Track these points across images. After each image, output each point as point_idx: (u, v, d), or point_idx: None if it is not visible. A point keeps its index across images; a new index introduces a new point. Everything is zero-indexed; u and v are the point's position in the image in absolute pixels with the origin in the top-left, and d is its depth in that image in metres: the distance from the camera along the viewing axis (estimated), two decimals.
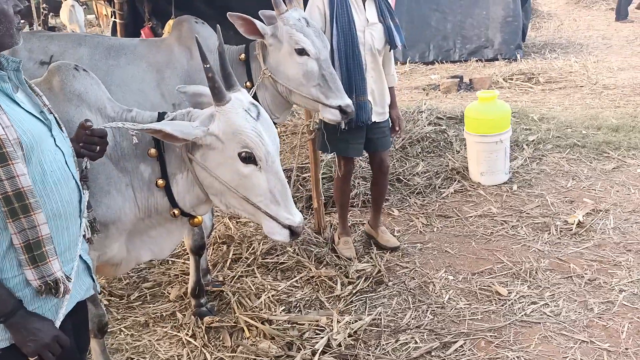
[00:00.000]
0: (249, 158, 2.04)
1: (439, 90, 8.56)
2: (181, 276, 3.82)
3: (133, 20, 6.23)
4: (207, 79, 1.98)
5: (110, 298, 3.65)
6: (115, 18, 6.19)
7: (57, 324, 1.69)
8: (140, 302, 3.61)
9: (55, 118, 1.82)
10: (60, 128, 1.83)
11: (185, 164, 2.14)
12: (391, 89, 3.75)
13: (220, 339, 3.18)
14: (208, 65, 1.97)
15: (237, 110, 2.03)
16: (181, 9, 5.79)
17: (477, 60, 10.32)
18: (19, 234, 1.56)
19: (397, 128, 3.80)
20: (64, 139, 1.82)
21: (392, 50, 3.62)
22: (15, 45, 1.70)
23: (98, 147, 1.95)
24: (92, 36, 3.43)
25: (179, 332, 3.26)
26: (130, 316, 3.46)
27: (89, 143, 1.91)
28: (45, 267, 1.61)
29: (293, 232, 2.12)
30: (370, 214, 4.15)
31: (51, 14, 15.07)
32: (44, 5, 14.76)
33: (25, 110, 1.67)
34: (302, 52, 2.92)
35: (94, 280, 1.93)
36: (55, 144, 1.74)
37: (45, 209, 1.62)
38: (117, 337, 3.28)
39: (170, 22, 5.70)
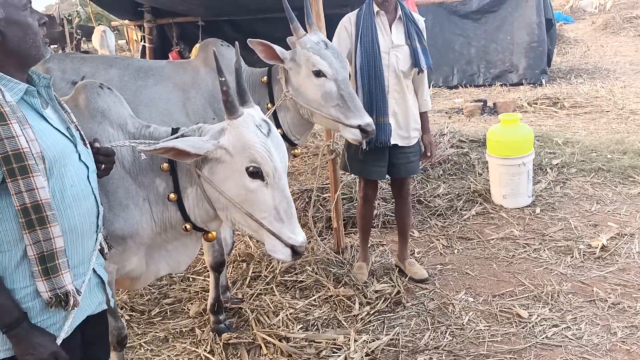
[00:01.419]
0: (256, 173, 2.06)
1: (462, 113, 8.56)
2: (201, 293, 3.86)
3: (161, 45, 6.41)
4: (221, 92, 2.03)
5: (131, 313, 3.69)
6: (144, 42, 6.37)
7: (62, 337, 1.70)
8: (161, 318, 3.64)
9: (81, 135, 1.89)
10: (85, 144, 1.89)
11: (194, 178, 2.18)
12: (424, 114, 3.70)
13: (238, 355, 3.19)
14: (223, 79, 2.02)
15: (248, 124, 2.07)
16: (208, 33, 5.94)
17: (501, 85, 10.32)
18: (33, 245, 1.59)
19: (428, 154, 3.76)
20: (89, 154, 1.89)
21: (420, 74, 3.57)
22: (43, 57, 1.76)
23: (103, 166, 2.00)
24: (122, 58, 3.55)
25: (197, 348, 3.28)
26: (151, 331, 3.49)
27: (95, 161, 1.95)
28: (57, 279, 1.63)
29: (295, 252, 2.11)
30: (398, 245, 4.07)
31: (84, 38, 15.55)
32: (77, 30, 15.26)
33: (52, 125, 1.73)
34: (319, 73, 2.97)
35: (108, 296, 1.95)
36: (80, 159, 1.79)
37: (62, 222, 1.66)
38: (137, 352, 3.31)
39: (197, 46, 5.86)
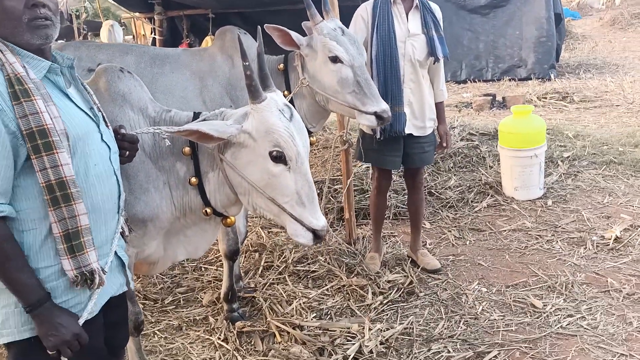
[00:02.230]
0: (279, 157, 2.05)
1: (472, 107, 8.54)
2: (214, 282, 3.86)
3: (171, 37, 6.42)
4: (245, 76, 2.02)
5: (144, 302, 3.70)
6: (155, 34, 6.38)
7: (85, 317, 1.70)
8: (174, 307, 3.65)
9: (103, 116, 1.89)
10: (107, 126, 1.89)
11: (216, 163, 2.18)
12: (440, 104, 3.68)
13: (252, 343, 3.19)
14: (247, 63, 2.01)
15: (271, 109, 2.06)
16: (218, 25, 5.94)
17: (510, 80, 10.28)
18: (58, 223, 1.59)
19: (444, 144, 3.75)
20: (111, 135, 1.89)
21: (436, 63, 3.55)
22: (44, 40, 1.66)
23: (127, 152, 2.00)
24: (138, 46, 3.54)
25: (211, 336, 3.28)
26: (164, 319, 3.50)
27: (119, 148, 1.95)
28: (82, 257, 1.63)
29: (317, 236, 2.10)
30: (410, 236, 4.07)
31: (90, 33, 15.58)
32: (84, 26, 15.28)
33: (76, 104, 1.73)
34: (335, 59, 2.96)
35: (128, 278, 1.95)
36: (102, 139, 1.79)
37: (85, 200, 1.65)
38: (151, 339, 3.31)
39: (208, 38, 5.86)
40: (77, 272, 1.63)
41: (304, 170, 2.11)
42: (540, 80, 10.07)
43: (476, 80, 10.52)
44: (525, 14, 10.36)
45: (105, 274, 1.72)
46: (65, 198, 1.58)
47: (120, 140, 1.96)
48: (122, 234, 1.92)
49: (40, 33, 1.64)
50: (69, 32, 17.06)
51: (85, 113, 1.76)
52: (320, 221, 2.11)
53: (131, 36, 17.41)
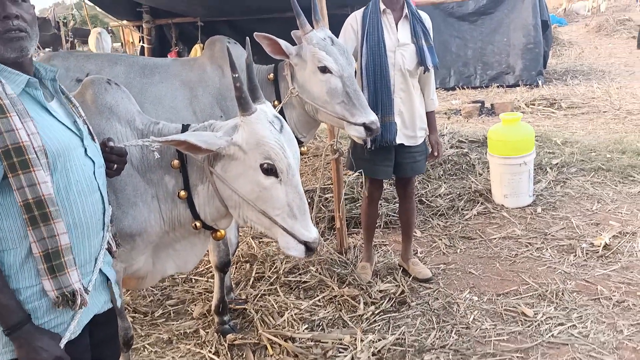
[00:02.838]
0: (270, 170, 2.03)
1: (461, 114, 8.58)
2: (204, 294, 3.83)
3: (160, 45, 6.39)
4: (235, 88, 2.00)
5: (134, 315, 3.66)
6: (143, 43, 6.35)
7: (67, 337, 1.65)
8: (164, 319, 3.61)
9: (89, 129, 1.84)
10: (93, 139, 1.85)
11: (206, 175, 2.16)
12: (430, 114, 3.68)
13: (244, 356, 3.16)
14: (236, 75, 1.99)
15: (261, 121, 2.04)
16: (207, 33, 5.93)
17: (498, 86, 10.35)
18: (38, 243, 1.55)
19: (435, 153, 3.74)
20: (97, 150, 1.84)
21: (426, 72, 3.54)
22: (19, 53, 1.61)
23: (115, 165, 1.97)
24: (127, 56, 3.52)
25: (202, 349, 3.25)
26: (154, 333, 3.46)
27: (107, 160, 1.92)
28: (63, 277, 1.58)
29: (309, 248, 2.09)
30: (402, 245, 4.06)
31: (78, 40, 15.53)
32: (70, 33, 15.23)
33: (57, 119, 1.68)
34: (324, 69, 2.95)
35: (114, 294, 1.90)
36: (86, 154, 1.75)
37: (66, 218, 1.62)
38: (141, 354, 3.28)
39: (197, 46, 5.85)
40: (59, 292, 1.58)
41: (294, 182, 2.09)
42: (528, 86, 10.15)
43: (465, 87, 10.59)
44: (513, 21, 10.46)
45: (88, 293, 1.68)
46: (43, 217, 1.54)
47: (108, 153, 1.93)
48: (109, 249, 1.89)
49: (14, 46, 1.60)
50: (56, 40, 17.01)
51: (68, 127, 1.71)
52: (312, 233, 2.10)
53: (119, 43, 17.39)
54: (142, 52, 6.37)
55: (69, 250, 1.60)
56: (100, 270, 1.80)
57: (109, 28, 13.69)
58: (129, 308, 3.70)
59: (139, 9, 6.01)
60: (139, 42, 6.49)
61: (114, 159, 1.96)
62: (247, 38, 2.25)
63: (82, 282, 1.65)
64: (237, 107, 2.06)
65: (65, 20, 17.71)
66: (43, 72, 1.74)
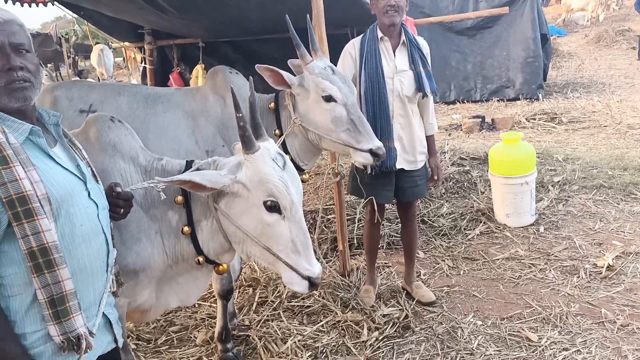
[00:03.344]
0: (273, 207, 2.06)
1: (461, 130, 8.59)
2: (208, 320, 3.83)
3: (162, 66, 6.42)
4: (238, 127, 2.03)
5: (137, 342, 3.65)
6: (145, 64, 6.38)
7: None
8: (167, 347, 3.61)
9: (93, 171, 1.87)
10: (97, 181, 1.87)
11: (210, 211, 2.18)
12: (430, 138, 3.69)
13: None
14: (240, 115, 2.02)
15: (265, 159, 2.07)
16: (208, 54, 5.97)
17: (498, 100, 10.37)
18: (43, 289, 1.56)
19: (435, 177, 3.75)
20: (100, 191, 1.86)
21: (425, 98, 3.54)
22: (23, 102, 1.64)
23: (122, 210, 1.99)
24: (131, 85, 3.54)
25: None
26: None
27: (114, 205, 1.94)
28: (68, 323, 1.60)
29: (312, 284, 2.11)
30: (405, 268, 4.05)
31: (80, 56, 15.61)
32: (71, 49, 15.31)
33: (60, 164, 1.70)
34: (329, 98, 2.97)
35: (116, 334, 1.90)
36: (89, 197, 1.76)
37: (71, 262, 1.63)
38: None
39: (198, 67, 5.88)
40: (64, 337, 1.60)
41: (298, 218, 2.11)
42: (528, 100, 10.17)
43: (465, 101, 10.61)
44: (512, 35, 10.50)
45: (93, 336, 1.69)
46: (48, 264, 1.55)
47: (115, 198, 1.95)
48: (114, 293, 1.90)
49: (18, 96, 1.63)
50: (58, 56, 17.09)
51: (71, 172, 1.72)
52: (315, 268, 2.12)
53: (122, 58, 17.48)
54: (144, 73, 6.41)
55: (73, 295, 1.61)
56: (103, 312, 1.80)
57: (111, 44, 13.74)
58: (132, 335, 3.69)
59: (140, 31, 6.05)
60: (141, 62, 6.53)
61: (121, 204, 1.98)
62: (250, 78, 2.27)
63: (87, 326, 1.66)
64: (241, 145, 2.08)
65: (67, 36, 17.80)
66: (46, 117, 1.77)
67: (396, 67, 3.46)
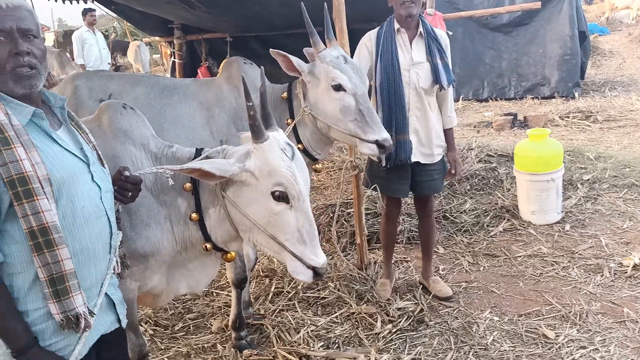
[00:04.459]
0: (281, 196, 2.07)
1: (492, 127, 8.45)
2: (224, 308, 3.87)
3: (191, 60, 6.54)
4: (249, 116, 2.05)
5: (155, 328, 3.73)
6: (174, 58, 6.50)
7: (73, 359, 1.70)
8: (184, 333, 3.67)
9: (99, 154, 1.91)
10: (103, 164, 1.91)
11: (217, 199, 2.20)
12: (448, 131, 3.64)
13: None
14: (251, 104, 2.03)
15: (274, 148, 2.08)
16: (236, 49, 6.04)
17: (533, 98, 10.16)
18: (43, 268, 1.61)
19: (452, 171, 3.69)
20: (105, 175, 1.89)
21: (442, 90, 3.50)
22: (28, 90, 1.68)
23: (130, 194, 2.03)
24: (149, 76, 3.62)
25: None
26: (174, 346, 3.52)
27: (122, 188, 1.98)
28: (67, 301, 1.64)
29: (317, 273, 2.12)
30: (422, 263, 4.01)
31: (118, 52, 15.94)
32: (110, 45, 15.67)
33: (63, 147, 1.74)
34: (338, 87, 2.97)
35: (119, 314, 1.94)
36: (92, 180, 1.80)
37: (72, 243, 1.68)
38: None
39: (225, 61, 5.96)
40: (63, 316, 1.64)
41: (305, 208, 2.12)
42: (564, 98, 9.93)
43: (498, 98, 10.43)
44: (549, 32, 10.26)
45: (93, 317, 1.73)
46: (47, 244, 1.59)
47: (123, 182, 1.99)
48: (119, 274, 1.95)
49: (24, 83, 1.67)
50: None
51: (74, 154, 1.76)
52: (320, 259, 2.13)
53: (159, 55, 17.79)
54: (173, 67, 6.54)
55: (73, 275, 1.65)
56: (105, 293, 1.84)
57: (142, 41, 14.02)
58: (150, 321, 3.77)
59: (170, 25, 6.17)
60: (170, 57, 6.66)
61: (129, 188, 2.02)
62: (262, 67, 2.29)
63: (87, 306, 1.70)
64: (249, 135, 2.10)
65: (107, 33, 18.25)
66: (52, 100, 1.82)
67: (412, 59, 3.43)
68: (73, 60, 10.43)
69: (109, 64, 9.85)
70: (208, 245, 2.29)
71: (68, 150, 1.75)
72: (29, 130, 1.65)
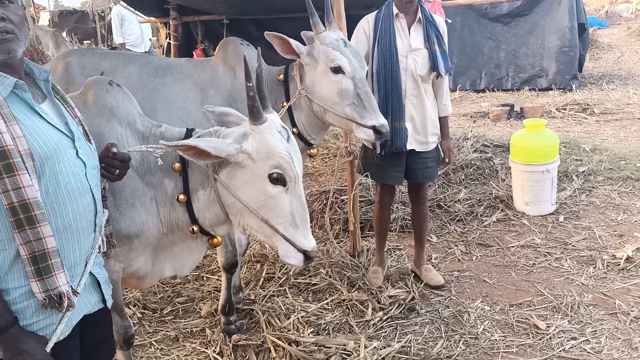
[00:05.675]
0: (278, 179, 2.04)
1: (488, 118, 8.42)
2: (214, 292, 3.84)
3: (186, 42, 6.44)
4: (247, 97, 2.00)
5: (144, 311, 3.69)
6: (169, 39, 6.41)
7: (54, 340, 1.66)
8: (172, 317, 3.64)
9: (85, 130, 1.85)
10: (89, 140, 1.85)
11: (208, 181, 2.15)
12: (443, 119, 3.60)
13: (247, 357, 3.15)
14: (251, 84, 1.99)
15: (272, 130, 2.05)
16: (233, 31, 5.95)
17: (530, 90, 10.12)
18: (24, 246, 1.56)
19: (446, 160, 3.64)
20: (91, 151, 1.83)
21: (439, 78, 3.45)
22: (7, 55, 1.62)
23: (118, 171, 1.98)
24: (142, 55, 3.55)
25: (207, 348, 3.26)
26: (162, 330, 3.49)
27: (109, 165, 1.93)
28: (50, 280, 1.59)
29: (307, 257, 2.10)
30: (414, 251, 3.99)
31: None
32: (106, 26, 15.52)
33: (46, 121, 1.68)
34: (337, 70, 2.92)
35: (105, 294, 1.89)
36: (77, 156, 1.74)
37: (55, 220, 1.62)
38: (147, 350, 3.31)
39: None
40: (45, 294, 1.59)
41: (299, 191, 2.10)
42: (561, 90, 9.89)
43: (495, 89, 10.38)
44: (548, 23, 10.18)
45: (77, 296, 1.68)
46: (29, 220, 1.54)
47: (111, 158, 1.94)
48: (105, 253, 1.90)
49: (1, 48, 1.61)
50: (95, 33, 17.35)
51: (58, 129, 1.70)
52: (311, 242, 2.11)
53: (155, 38, 17.62)
54: (168, 49, 6.44)
55: (55, 253, 1.60)
56: (90, 272, 1.79)
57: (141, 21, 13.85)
58: (138, 304, 3.74)
59: (166, 6, 6.07)
60: (165, 38, 6.56)
61: (117, 165, 1.96)
62: (259, 48, 2.24)
63: (70, 285, 1.65)
64: (248, 115, 2.05)
65: (102, 14, 18.02)
66: (37, 72, 1.75)
67: (410, 45, 3.38)
68: (112, 38, 9.93)
69: (150, 40, 9.44)
70: (195, 228, 2.24)
71: (52, 125, 1.69)
72: (10, 103, 1.58)
